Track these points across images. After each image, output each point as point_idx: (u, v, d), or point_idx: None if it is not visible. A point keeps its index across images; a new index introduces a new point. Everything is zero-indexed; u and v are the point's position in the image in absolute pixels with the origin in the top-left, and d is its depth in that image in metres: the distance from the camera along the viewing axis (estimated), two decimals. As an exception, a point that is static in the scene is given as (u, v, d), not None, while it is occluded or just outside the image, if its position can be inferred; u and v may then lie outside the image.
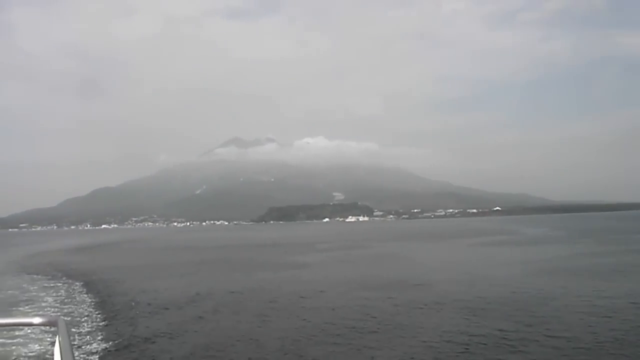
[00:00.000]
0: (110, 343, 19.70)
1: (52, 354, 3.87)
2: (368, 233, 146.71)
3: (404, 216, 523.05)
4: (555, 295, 26.11)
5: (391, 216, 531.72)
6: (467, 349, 16.78)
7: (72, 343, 15.26)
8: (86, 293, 33.76)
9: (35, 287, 36.95)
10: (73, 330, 22.05)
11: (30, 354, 17.84)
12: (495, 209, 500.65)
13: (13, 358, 17.54)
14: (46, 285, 38.43)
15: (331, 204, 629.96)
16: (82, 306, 28.77)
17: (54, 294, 33.45)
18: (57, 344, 3.67)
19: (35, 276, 44.89)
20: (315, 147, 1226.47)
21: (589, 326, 19.26)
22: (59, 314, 25.60)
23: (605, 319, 20.29)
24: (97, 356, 17.94)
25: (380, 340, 18.33)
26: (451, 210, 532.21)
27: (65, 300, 30.90)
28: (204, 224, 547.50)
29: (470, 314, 22.10)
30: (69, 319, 24.61)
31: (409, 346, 17.46)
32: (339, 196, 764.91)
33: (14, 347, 18.54)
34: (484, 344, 17.20)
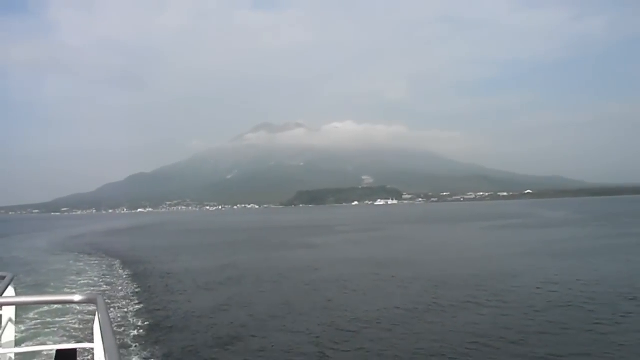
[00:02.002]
0: (146, 314, 21.88)
1: (92, 330, 4.09)
2: (390, 216, 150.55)
3: (432, 199, 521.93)
4: (516, 273, 29.85)
5: (420, 199, 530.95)
6: (413, 312, 20.84)
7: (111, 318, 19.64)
8: (124, 269, 38.32)
9: (80, 264, 42.07)
10: (113, 299, 25.45)
11: (72, 329, 18.91)
12: (526, 192, 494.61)
13: (56, 333, 18.40)
14: (89, 261, 43.62)
15: (360, 187, 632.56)
16: (121, 280, 32.48)
17: (97, 269, 38.27)
18: (96, 320, 3.86)
19: (79, 254, 50.50)
20: (343, 131, 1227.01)
21: (529, 298, 22.71)
22: (98, 291, 27.57)
23: (546, 293, 23.70)
24: (135, 327, 19.63)
25: (344, 307, 22.45)
26: (481, 194, 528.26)
27: (107, 274, 35.64)
28: (235, 207, 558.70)
29: (434, 286, 26.18)
30: (108, 287, 29.33)
31: (364, 314, 21.41)
32: (368, 179, 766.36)
33: (57, 323, 19.68)
34: (430, 310, 21.15)
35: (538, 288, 25.07)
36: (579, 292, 23.85)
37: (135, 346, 17.15)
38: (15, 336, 5.06)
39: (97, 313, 3.85)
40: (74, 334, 18.15)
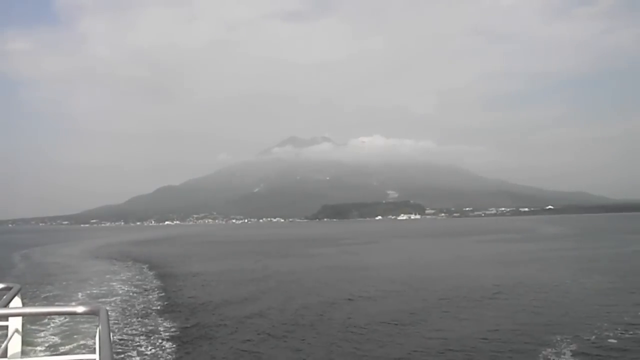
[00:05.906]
0: (173, 311, 24.63)
1: (94, 343, 4.08)
2: (401, 231, 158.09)
3: (455, 214, 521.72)
4: (461, 277, 36.30)
5: (443, 214, 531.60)
6: (363, 297, 28.46)
7: (115, 331, 19.14)
8: (151, 272, 42.55)
9: (115, 267, 48.35)
10: (135, 307, 27.11)
11: (79, 340, 18.98)
12: (547, 207, 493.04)
13: (63, 344, 18.57)
14: (120, 266, 49.60)
15: (384, 202, 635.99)
16: (149, 281, 36.27)
17: (128, 272, 42.74)
18: (98, 332, 3.86)
19: (110, 260, 56.57)
20: (370, 146, 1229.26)
21: (464, 298, 27.24)
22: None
23: (483, 294, 29.08)
24: (154, 335, 20.46)
25: (306, 303, 28.93)
26: (503, 209, 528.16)
27: (137, 276, 40.23)
28: (261, 221, 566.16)
29: (387, 285, 33.33)
30: (131, 294, 32.39)
31: (322, 305, 27.77)
32: (392, 194, 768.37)
33: (65, 334, 19.88)
34: (370, 300, 28.62)
35: (472, 288, 30.76)
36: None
37: (148, 355, 17.80)
38: (22, 347, 5.14)
39: (99, 324, 3.86)
40: (81, 344, 18.51)
